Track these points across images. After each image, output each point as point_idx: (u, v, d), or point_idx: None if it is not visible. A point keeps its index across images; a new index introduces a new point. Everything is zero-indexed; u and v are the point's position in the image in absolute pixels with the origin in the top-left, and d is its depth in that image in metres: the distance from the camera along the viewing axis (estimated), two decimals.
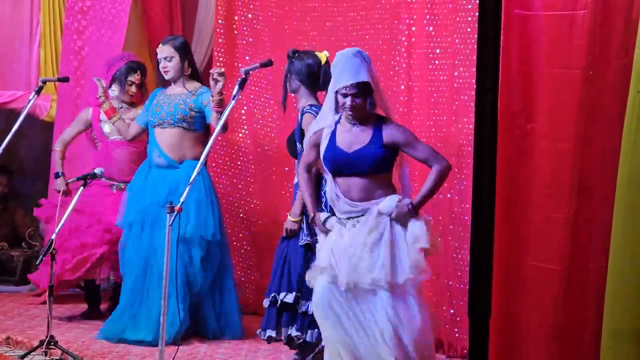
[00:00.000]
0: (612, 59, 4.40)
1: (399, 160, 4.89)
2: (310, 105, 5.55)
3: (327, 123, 4.88)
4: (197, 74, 6.50)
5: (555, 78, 4.45)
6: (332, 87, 4.82)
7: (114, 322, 6.16)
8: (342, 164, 4.78)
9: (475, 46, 4.26)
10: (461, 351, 5.78)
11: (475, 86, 4.22)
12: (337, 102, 4.81)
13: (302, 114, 5.54)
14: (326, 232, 4.83)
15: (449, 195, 5.93)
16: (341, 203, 4.76)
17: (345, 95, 4.75)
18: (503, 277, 4.41)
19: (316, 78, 5.64)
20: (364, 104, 4.76)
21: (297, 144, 5.54)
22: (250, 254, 7.23)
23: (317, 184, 5.28)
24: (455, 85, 5.91)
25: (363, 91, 4.74)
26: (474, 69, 4.29)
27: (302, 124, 5.51)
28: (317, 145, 4.93)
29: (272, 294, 5.52)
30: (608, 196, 4.30)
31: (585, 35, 4.38)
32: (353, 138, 4.80)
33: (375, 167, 4.74)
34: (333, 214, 4.85)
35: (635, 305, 4.13)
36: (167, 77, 6.37)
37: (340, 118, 4.87)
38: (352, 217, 4.73)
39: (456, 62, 5.92)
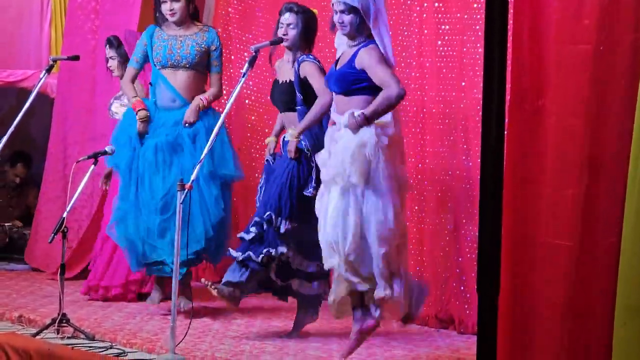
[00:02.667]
0: (623, 34, 4.35)
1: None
2: (307, 54, 5.57)
3: (337, 43, 5.03)
4: (198, 14, 6.38)
5: (565, 54, 4.41)
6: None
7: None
8: (330, 81, 5.00)
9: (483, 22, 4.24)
10: (472, 328, 5.78)
11: (483, 65, 4.20)
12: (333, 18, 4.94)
13: (300, 63, 5.52)
14: None
15: (457, 172, 5.93)
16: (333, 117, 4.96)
17: (335, 12, 4.88)
18: (512, 253, 4.39)
19: (315, 32, 5.69)
20: (352, 23, 4.84)
21: (298, 94, 5.54)
22: None
23: None
24: (465, 61, 5.93)
25: (352, 10, 4.82)
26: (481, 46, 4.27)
27: (300, 73, 5.51)
28: None
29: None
30: (619, 172, 4.28)
31: (596, 10, 4.35)
32: (343, 58, 4.94)
33: (346, 86, 4.87)
34: None
35: None
36: (173, 19, 6.16)
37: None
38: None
39: (465, 37, 5.93)
